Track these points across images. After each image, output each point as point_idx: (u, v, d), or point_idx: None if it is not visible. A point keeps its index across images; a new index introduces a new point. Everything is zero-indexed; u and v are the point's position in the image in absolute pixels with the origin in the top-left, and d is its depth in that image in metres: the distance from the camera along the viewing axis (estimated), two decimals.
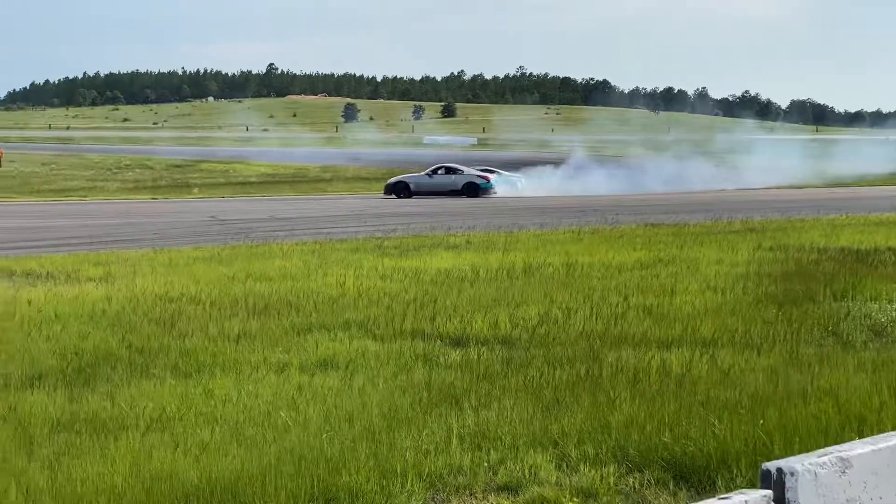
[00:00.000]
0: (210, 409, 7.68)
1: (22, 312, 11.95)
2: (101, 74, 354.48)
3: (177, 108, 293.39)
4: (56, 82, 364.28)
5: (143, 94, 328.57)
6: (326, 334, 10.74)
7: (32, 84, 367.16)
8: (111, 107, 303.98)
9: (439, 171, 44.31)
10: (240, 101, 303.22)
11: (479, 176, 44.29)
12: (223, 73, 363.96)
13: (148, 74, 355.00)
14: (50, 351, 9.79)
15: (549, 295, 13.27)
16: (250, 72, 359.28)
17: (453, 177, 43.81)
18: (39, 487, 5.95)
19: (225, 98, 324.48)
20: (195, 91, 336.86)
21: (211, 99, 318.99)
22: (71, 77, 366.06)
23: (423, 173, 44.70)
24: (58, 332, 10.75)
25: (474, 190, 43.04)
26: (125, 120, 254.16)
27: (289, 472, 6.19)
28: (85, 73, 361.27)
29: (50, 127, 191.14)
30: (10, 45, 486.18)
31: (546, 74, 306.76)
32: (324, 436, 6.87)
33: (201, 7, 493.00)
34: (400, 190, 43.16)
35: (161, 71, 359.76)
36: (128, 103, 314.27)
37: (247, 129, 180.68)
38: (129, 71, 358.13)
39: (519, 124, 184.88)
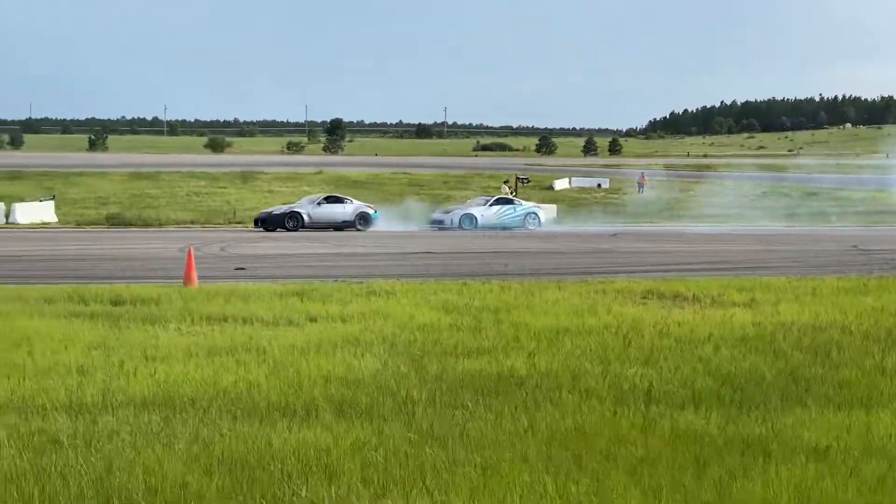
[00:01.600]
0: (869, 443, 7.42)
1: (674, 333, 12.39)
2: (738, 103, 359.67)
3: (812, 135, 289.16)
4: (694, 111, 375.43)
5: (779, 121, 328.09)
6: None
7: (672, 113, 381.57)
8: (746, 134, 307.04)
9: (325, 201, 40.11)
10: (879, 128, 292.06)
11: (368, 206, 40.57)
12: (862, 98, 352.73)
13: (784, 102, 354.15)
14: (703, 371, 10.03)
15: None
16: (891, 97, 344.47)
17: (342, 206, 39.70)
18: None
19: (863, 124, 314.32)
20: (832, 117, 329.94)
21: (848, 125, 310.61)
22: (708, 106, 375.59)
23: (311, 202, 40.49)
24: (709, 353, 11.00)
25: (365, 221, 39.36)
26: (760, 147, 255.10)
27: None
28: (722, 101, 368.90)
29: (688, 154, 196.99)
30: (653, 79, 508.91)
31: None
32: None
33: (839, 31, 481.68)
34: (287, 222, 38.56)
35: (797, 98, 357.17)
36: (763, 131, 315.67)
37: (887, 156, 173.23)
38: (766, 99, 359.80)
39: None
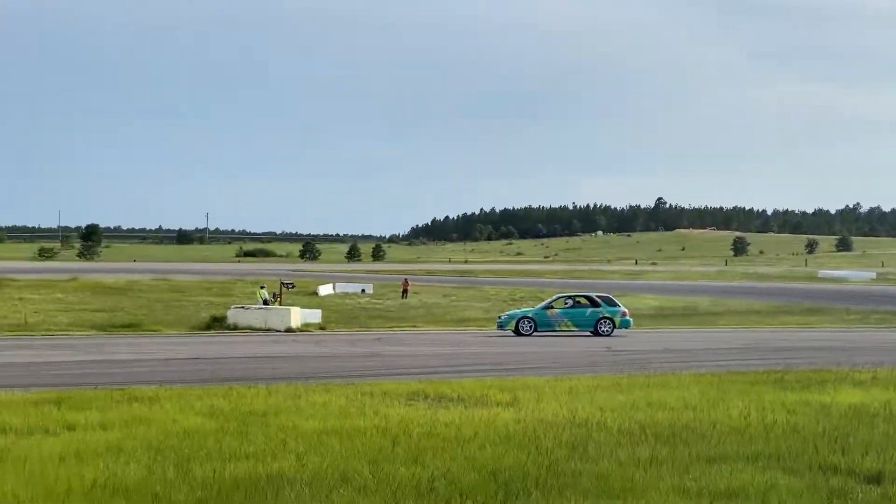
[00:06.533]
0: None
1: (441, 432, 12.66)
2: (497, 210, 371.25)
3: (567, 242, 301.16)
4: (455, 218, 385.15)
5: (535, 228, 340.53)
6: (734, 464, 10.65)
7: (434, 220, 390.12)
8: (505, 241, 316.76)
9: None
10: (628, 235, 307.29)
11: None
12: (612, 207, 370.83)
13: (540, 210, 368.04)
14: (470, 468, 10.31)
15: None
16: (639, 206, 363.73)
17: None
18: None
19: (614, 232, 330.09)
20: (585, 225, 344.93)
21: (600, 233, 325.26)
22: (469, 213, 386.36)
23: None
24: (474, 451, 11.31)
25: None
26: (518, 254, 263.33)
27: None
28: (482, 209, 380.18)
29: (450, 260, 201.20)
30: (416, 187, 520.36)
31: None
32: None
33: (593, 145, 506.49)
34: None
35: (553, 206, 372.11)
36: (521, 237, 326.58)
37: (636, 263, 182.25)
38: (523, 207, 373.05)
39: None
